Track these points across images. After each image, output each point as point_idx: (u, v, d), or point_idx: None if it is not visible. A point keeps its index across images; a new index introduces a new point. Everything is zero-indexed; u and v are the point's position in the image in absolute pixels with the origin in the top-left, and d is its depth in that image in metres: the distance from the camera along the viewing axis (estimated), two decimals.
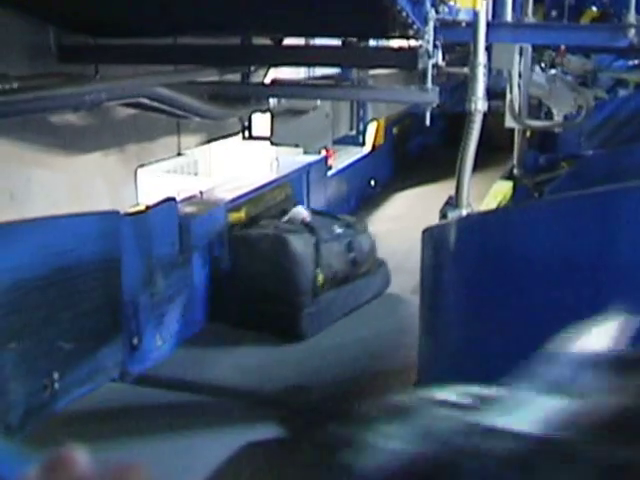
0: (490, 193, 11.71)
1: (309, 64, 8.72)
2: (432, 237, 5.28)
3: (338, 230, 8.31)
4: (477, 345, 4.71)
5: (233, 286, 7.88)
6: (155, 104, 6.31)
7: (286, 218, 8.41)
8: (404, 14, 5.38)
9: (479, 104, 6.28)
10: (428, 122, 6.73)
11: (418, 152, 16.47)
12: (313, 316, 7.61)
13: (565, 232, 4.34)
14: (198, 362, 7.06)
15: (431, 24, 5.95)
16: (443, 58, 6.70)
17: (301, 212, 8.68)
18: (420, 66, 5.95)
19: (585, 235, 4.23)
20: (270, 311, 7.58)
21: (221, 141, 9.88)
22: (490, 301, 4.62)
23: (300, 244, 7.72)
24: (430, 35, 5.92)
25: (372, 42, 8.18)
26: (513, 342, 4.47)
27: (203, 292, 7.84)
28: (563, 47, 12.94)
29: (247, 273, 7.88)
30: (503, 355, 4.52)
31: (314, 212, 8.84)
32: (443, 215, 6.85)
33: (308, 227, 8.13)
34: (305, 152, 10.65)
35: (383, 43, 8.90)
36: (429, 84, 6.19)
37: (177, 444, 5.70)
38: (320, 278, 7.75)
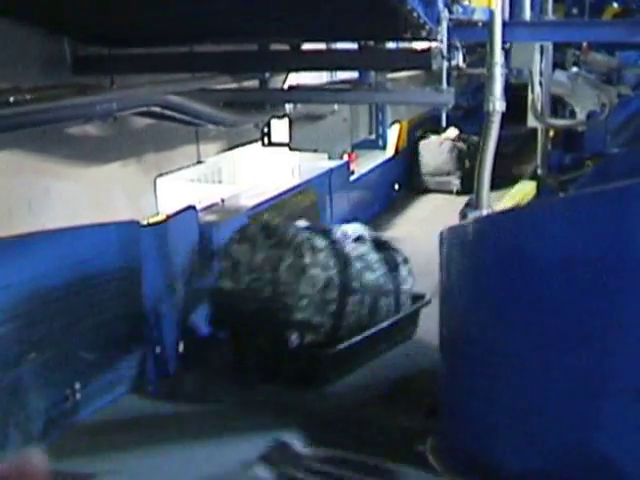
0: (511, 193, 11.63)
1: (326, 68, 8.70)
2: (449, 238, 5.23)
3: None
4: (497, 343, 4.66)
5: None
6: (169, 112, 6.32)
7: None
8: (415, 15, 5.35)
9: (497, 104, 6.24)
10: (444, 123, 6.69)
11: None
12: None
13: (583, 230, 4.27)
14: None
15: (444, 24, 5.91)
16: (464, 60, 6.68)
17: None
18: (434, 67, 5.91)
19: (604, 233, 4.16)
20: None
21: (243, 148, 9.90)
22: (508, 300, 4.56)
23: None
24: (444, 35, 5.88)
25: (392, 45, 8.14)
26: (533, 341, 4.43)
27: None
28: (586, 45, 12.87)
29: None
30: (523, 353, 4.49)
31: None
32: (463, 216, 6.80)
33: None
34: (329, 157, 10.67)
35: (404, 46, 8.86)
36: (444, 85, 6.15)
37: (200, 452, 5.69)
38: None
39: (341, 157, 10.80)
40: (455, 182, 13.48)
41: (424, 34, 5.74)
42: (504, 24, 6.60)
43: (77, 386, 5.77)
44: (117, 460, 5.58)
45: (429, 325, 5.90)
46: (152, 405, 6.46)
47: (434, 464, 5.06)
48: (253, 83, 8.25)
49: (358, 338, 6.56)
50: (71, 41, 6.42)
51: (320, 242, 6.37)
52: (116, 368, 6.26)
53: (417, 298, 7.13)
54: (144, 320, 6.61)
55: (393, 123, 12.40)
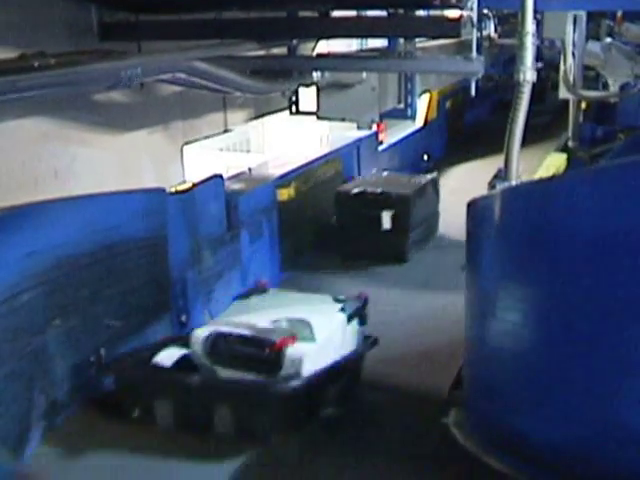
0: (543, 165, 11.50)
1: (355, 35, 8.61)
2: (477, 209, 5.17)
3: None
4: (524, 316, 4.61)
5: None
6: (196, 79, 6.27)
7: None
8: None
9: (528, 74, 6.12)
10: (473, 92, 6.59)
11: (472, 126, 16.25)
12: None
13: (615, 201, 4.20)
14: None
15: None
16: (495, 30, 6.57)
17: None
18: (464, 35, 5.81)
19: (636, 204, 4.08)
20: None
21: (272, 117, 9.85)
22: (536, 273, 4.50)
23: None
24: (474, 3, 5.77)
25: (422, 13, 8.03)
26: (561, 314, 4.37)
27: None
28: (620, 15, 12.67)
29: None
30: (551, 326, 4.44)
31: None
32: (492, 187, 6.72)
33: None
34: (358, 127, 10.60)
35: (434, 13, 8.74)
36: (474, 54, 6.05)
37: None
38: None
39: (370, 127, 10.71)
40: None
41: (454, 1, 5.64)
42: None
43: (102, 352, 5.78)
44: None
45: None
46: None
47: (457, 436, 5.03)
48: (281, 50, 8.19)
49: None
50: (98, 7, 6.39)
51: None
52: (141, 335, 6.27)
53: None
54: (170, 288, 6.61)
55: (423, 93, 12.28)
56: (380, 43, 9.63)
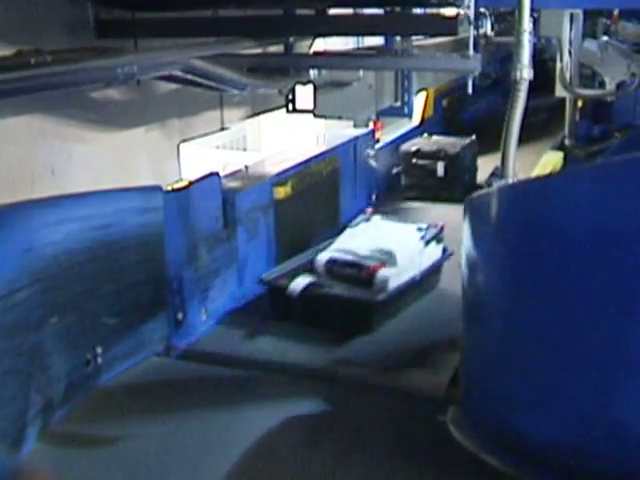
0: (539, 164, 11.51)
1: (352, 33, 8.63)
2: (474, 206, 5.17)
3: None
4: (521, 314, 4.62)
5: None
6: (193, 77, 6.27)
7: None
8: None
9: (524, 72, 6.13)
10: (470, 90, 6.59)
11: (469, 124, 16.23)
12: None
13: (611, 199, 4.20)
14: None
15: None
16: (492, 28, 6.57)
17: None
18: (461, 33, 5.81)
19: (632, 201, 4.09)
20: None
21: (268, 115, 9.85)
22: (532, 271, 4.51)
23: None
24: (470, 1, 5.77)
25: (419, 11, 8.03)
26: (557, 312, 4.38)
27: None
28: (616, 13, 12.67)
29: None
30: (547, 323, 4.44)
31: None
32: (488, 185, 6.74)
33: None
34: (354, 125, 10.60)
35: (431, 11, 8.75)
36: (471, 51, 6.06)
37: (221, 418, 5.71)
38: None
39: (366, 125, 10.71)
40: None
41: (451, 0, 5.65)
42: None
43: (99, 350, 5.78)
44: (139, 424, 5.63)
45: None
46: (175, 369, 6.49)
47: (455, 434, 5.04)
48: (278, 48, 8.19)
49: None
50: (94, 4, 6.39)
51: None
52: (138, 333, 6.26)
53: None
54: (166, 285, 6.61)
55: (419, 91, 12.28)
56: (377, 41, 9.62)
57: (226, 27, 6.98)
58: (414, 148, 11.61)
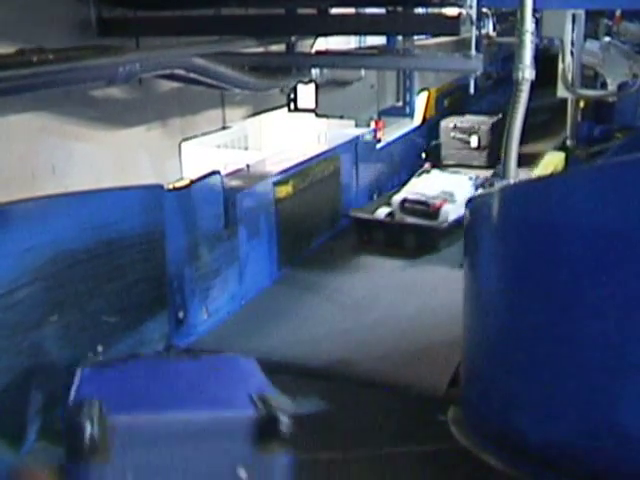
0: (541, 164, 11.50)
1: (353, 33, 8.62)
2: (475, 206, 5.17)
3: None
4: (522, 314, 4.61)
5: None
6: (194, 75, 6.26)
7: None
8: None
9: (526, 72, 6.11)
10: (472, 90, 6.58)
11: None
12: None
13: (612, 199, 4.20)
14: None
15: None
16: (494, 28, 6.57)
17: None
18: (463, 33, 5.80)
19: (633, 202, 4.08)
20: None
21: (270, 115, 9.85)
22: (533, 271, 4.51)
23: None
24: (473, 1, 5.76)
25: (421, 10, 8.02)
26: (559, 312, 4.37)
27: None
28: (619, 14, 12.66)
29: None
30: (548, 324, 4.44)
31: None
32: (490, 185, 6.73)
33: None
34: (356, 125, 10.61)
35: (433, 11, 8.74)
36: (473, 51, 6.05)
37: None
38: None
39: (368, 125, 10.71)
40: None
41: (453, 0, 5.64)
42: None
43: (99, 349, 5.77)
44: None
45: None
46: None
47: (456, 434, 5.04)
48: (279, 47, 8.18)
49: None
50: (96, 3, 6.38)
51: None
52: (139, 332, 6.26)
53: None
54: (167, 284, 6.61)
55: (421, 91, 12.27)
56: (379, 41, 9.62)
57: (228, 26, 6.98)
58: (451, 124, 13.56)
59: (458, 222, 8.51)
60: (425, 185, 10.16)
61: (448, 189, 9.85)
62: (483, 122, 13.75)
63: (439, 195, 9.72)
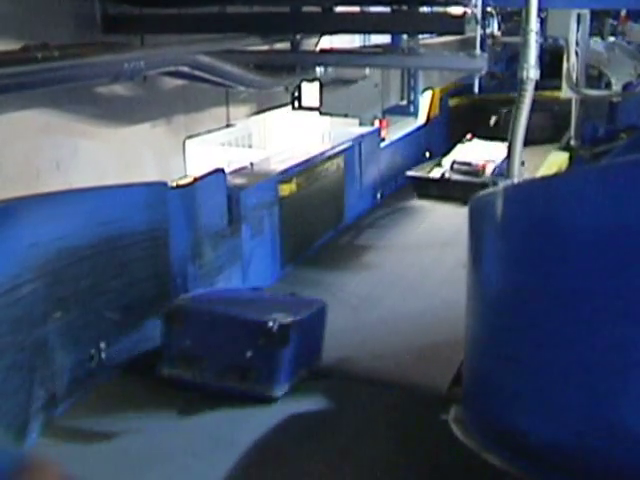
0: (545, 164, 11.51)
1: (358, 31, 8.62)
2: (479, 206, 5.17)
3: None
4: (525, 313, 4.61)
5: None
6: (199, 73, 6.27)
7: None
8: None
9: (531, 72, 6.12)
10: (476, 89, 6.58)
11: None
12: None
13: (616, 199, 4.19)
14: None
15: None
16: (499, 27, 6.56)
17: None
18: (468, 32, 5.80)
19: (636, 202, 4.08)
20: None
21: (274, 113, 9.84)
22: (536, 270, 4.50)
23: None
24: (478, 0, 5.76)
25: (426, 9, 8.02)
26: (562, 311, 4.37)
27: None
28: (624, 14, 12.65)
29: None
30: (551, 323, 4.43)
31: None
32: (494, 184, 6.72)
33: None
34: (360, 123, 10.61)
35: (438, 10, 8.74)
36: (478, 50, 6.05)
37: (223, 414, 5.71)
38: None
39: (372, 123, 10.71)
40: None
41: None
42: None
43: (102, 345, 5.78)
44: (143, 418, 5.63)
45: None
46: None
47: (457, 433, 5.03)
48: (284, 45, 8.18)
49: None
50: (101, 0, 6.38)
51: None
52: (142, 328, 6.27)
53: None
54: (170, 281, 6.61)
55: (425, 90, 12.27)
56: (383, 39, 9.62)
57: (233, 24, 6.98)
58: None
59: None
60: (469, 150, 12.29)
61: (487, 153, 11.81)
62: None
63: (482, 157, 11.77)
